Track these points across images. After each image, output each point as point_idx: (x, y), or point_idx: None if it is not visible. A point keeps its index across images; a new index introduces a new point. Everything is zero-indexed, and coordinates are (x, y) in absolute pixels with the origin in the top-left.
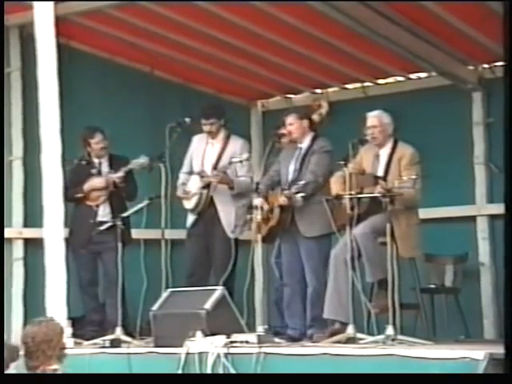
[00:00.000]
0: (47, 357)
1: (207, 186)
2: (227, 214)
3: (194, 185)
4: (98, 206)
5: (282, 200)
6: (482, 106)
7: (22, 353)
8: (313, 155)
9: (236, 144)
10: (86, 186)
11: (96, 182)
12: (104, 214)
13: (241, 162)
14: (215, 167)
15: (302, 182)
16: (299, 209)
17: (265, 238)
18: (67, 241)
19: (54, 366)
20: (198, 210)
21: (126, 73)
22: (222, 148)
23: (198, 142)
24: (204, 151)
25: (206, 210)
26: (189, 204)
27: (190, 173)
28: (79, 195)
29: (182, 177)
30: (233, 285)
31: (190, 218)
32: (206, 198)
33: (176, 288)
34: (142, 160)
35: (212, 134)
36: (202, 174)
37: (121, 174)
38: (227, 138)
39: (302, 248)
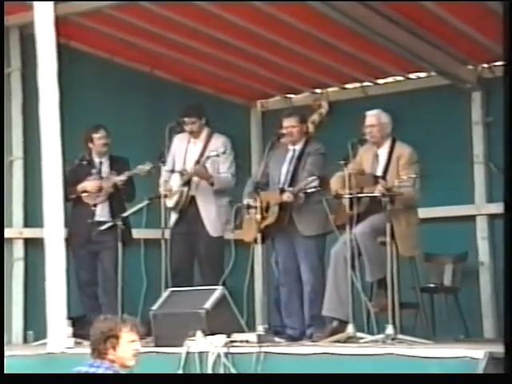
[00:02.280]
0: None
1: (187, 183)
2: (208, 212)
3: (176, 183)
4: (95, 205)
5: (287, 196)
6: (482, 106)
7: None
8: (309, 157)
9: (217, 141)
10: (80, 187)
11: (89, 184)
12: (102, 213)
13: (217, 155)
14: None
15: (311, 178)
16: (297, 208)
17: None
18: (67, 241)
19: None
20: (178, 208)
21: (125, 73)
22: (204, 146)
23: (180, 141)
24: (186, 150)
25: (188, 208)
26: (170, 202)
27: (172, 171)
28: (72, 196)
29: (164, 174)
30: (225, 284)
31: (173, 217)
32: (186, 196)
33: (176, 287)
34: (147, 167)
35: (194, 134)
36: (182, 172)
37: (124, 177)
38: (209, 137)
39: (299, 247)
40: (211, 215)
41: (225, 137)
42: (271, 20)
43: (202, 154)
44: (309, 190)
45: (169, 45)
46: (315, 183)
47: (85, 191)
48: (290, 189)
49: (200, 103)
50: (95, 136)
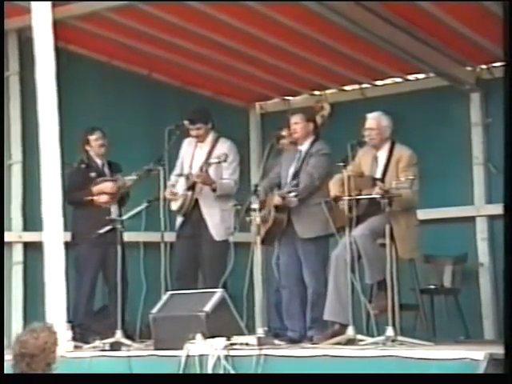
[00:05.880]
0: (31, 369)
1: (192, 187)
2: (212, 216)
3: (181, 187)
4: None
5: (276, 200)
6: (480, 107)
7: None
8: (311, 158)
9: (223, 146)
10: (96, 189)
11: (106, 185)
12: (115, 216)
13: (219, 162)
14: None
15: (295, 183)
16: (296, 210)
17: (263, 239)
18: (70, 244)
19: None
20: (183, 212)
21: (124, 76)
22: (210, 151)
23: (188, 145)
24: (193, 154)
25: (192, 212)
26: (175, 205)
27: (180, 175)
28: (88, 198)
29: (172, 179)
30: (226, 287)
31: (179, 220)
32: (190, 200)
33: (175, 290)
34: (148, 168)
35: (200, 138)
36: (188, 176)
37: (134, 176)
38: (215, 141)
39: (300, 249)
40: (215, 219)
41: (230, 142)
42: (269, 22)
43: (207, 159)
44: (291, 195)
45: (167, 47)
46: (301, 187)
47: (103, 193)
48: (279, 192)
49: (205, 108)
50: (91, 138)
